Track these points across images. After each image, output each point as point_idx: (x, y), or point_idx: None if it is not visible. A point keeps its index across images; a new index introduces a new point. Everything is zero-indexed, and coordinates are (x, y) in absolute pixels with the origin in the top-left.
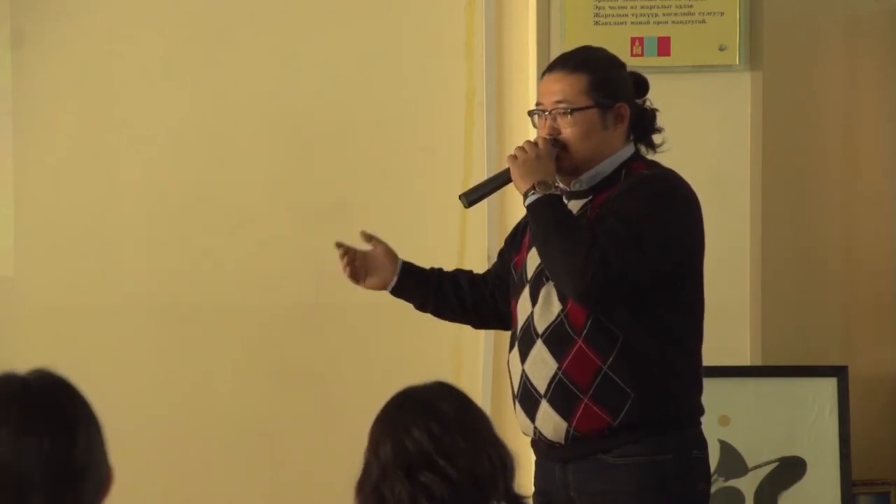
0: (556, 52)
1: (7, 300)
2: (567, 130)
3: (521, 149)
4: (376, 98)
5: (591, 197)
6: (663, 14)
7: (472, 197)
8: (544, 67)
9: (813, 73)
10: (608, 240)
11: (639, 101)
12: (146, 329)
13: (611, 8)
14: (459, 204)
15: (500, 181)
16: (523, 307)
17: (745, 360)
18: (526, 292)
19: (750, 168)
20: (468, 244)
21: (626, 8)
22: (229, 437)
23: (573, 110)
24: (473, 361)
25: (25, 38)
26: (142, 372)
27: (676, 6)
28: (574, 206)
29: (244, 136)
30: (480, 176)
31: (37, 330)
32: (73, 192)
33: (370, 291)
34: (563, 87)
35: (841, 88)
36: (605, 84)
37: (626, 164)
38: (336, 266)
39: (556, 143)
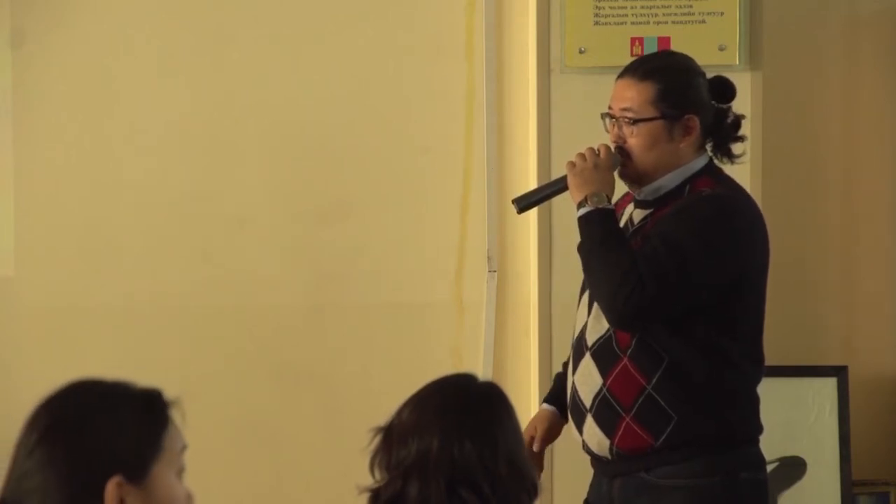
0: (556, 52)
1: (7, 300)
2: (631, 140)
3: (581, 156)
4: (376, 98)
5: (652, 210)
6: (663, 14)
7: (523, 203)
8: (544, 67)
9: (813, 73)
10: (647, 263)
11: (723, 107)
12: (146, 329)
13: (611, 8)
14: (459, 204)
15: (555, 188)
16: (581, 313)
17: None
18: (585, 298)
19: (749, 168)
20: (468, 244)
21: (626, 8)
22: (229, 437)
23: (637, 121)
24: (473, 362)
25: (25, 38)
26: (141, 372)
27: (676, 6)
28: (638, 215)
29: (245, 135)
30: (480, 177)
31: (37, 330)
32: (73, 193)
33: (370, 291)
34: (630, 94)
35: (841, 88)
36: (674, 94)
37: (691, 179)
38: (336, 266)
39: (621, 152)
